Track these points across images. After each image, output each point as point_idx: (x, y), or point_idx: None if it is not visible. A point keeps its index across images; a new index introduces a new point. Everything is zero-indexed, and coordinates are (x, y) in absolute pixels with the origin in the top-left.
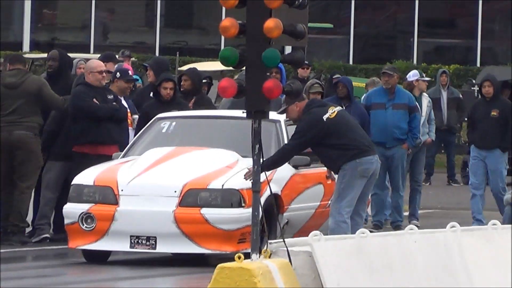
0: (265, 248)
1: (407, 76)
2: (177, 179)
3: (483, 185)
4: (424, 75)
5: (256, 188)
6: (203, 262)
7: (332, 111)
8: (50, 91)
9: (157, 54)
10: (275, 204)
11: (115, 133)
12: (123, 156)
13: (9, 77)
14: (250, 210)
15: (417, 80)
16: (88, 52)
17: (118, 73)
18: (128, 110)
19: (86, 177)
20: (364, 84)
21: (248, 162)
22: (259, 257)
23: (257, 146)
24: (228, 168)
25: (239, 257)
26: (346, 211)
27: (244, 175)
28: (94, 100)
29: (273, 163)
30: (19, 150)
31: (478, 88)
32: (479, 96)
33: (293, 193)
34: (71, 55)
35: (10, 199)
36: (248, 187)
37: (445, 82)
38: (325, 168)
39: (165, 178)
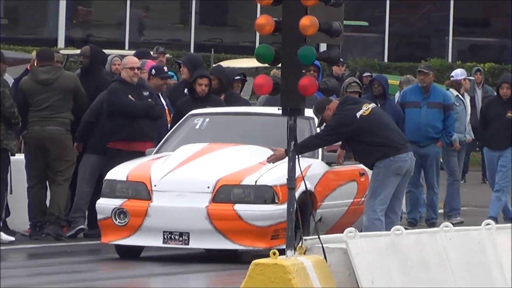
0: (300, 244)
1: (454, 74)
2: (210, 175)
3: None
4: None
5: (291, 185)
6: (235, 259)
7: (366, 108)
8: (83, 90)
9: (191, 51)
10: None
11: (150, 130)
12: (156, 152)
13: (43, 73)
14: (283, 206)
15: (464, 79)
16: (123, 49)
17: (153, 70)
18: (166, 108)
19: (119, 172)
20: (398, 82)
21: None
22: (294, 253)
23: (292, 143)
24: (261, 164)
25: (274, 254)
26: (380, 208)
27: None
28: (130, 96)
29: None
30: (52, 146)
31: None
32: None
33: (326, 190)
34: (105, 51)
35: (42, 194)
36: (281, 184)
37: (480, 80)
38: (359, 166)
39: (198, 174)
